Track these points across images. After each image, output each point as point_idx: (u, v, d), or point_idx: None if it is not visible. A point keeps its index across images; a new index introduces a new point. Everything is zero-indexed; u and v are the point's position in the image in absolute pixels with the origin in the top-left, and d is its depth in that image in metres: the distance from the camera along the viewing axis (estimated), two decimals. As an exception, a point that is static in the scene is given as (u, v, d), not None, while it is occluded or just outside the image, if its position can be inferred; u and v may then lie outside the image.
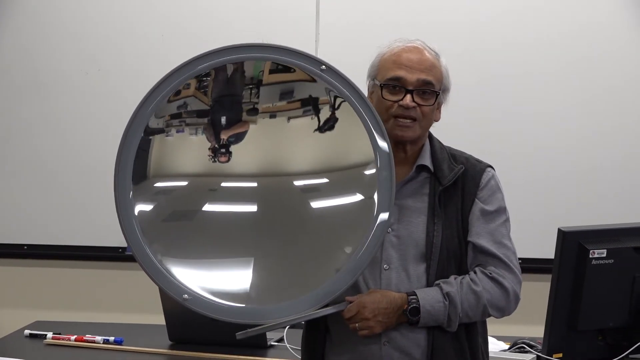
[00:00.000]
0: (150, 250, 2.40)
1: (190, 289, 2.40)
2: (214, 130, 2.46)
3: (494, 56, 4.70)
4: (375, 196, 2.43)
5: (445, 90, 2.61)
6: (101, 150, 4.56)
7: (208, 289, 2.42)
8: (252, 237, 2.50)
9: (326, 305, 2.47)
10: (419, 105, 2.54)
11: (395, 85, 2.55)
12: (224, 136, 2.47)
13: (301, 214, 2.50)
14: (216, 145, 2.47)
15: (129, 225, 2.41)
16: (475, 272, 2.56)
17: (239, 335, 2.42)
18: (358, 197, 2.47)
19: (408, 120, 2.53)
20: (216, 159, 2.46)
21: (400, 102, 2.53)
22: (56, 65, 4.84)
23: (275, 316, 2.41)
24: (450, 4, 4.71)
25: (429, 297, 2.50)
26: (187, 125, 2.45)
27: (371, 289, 2.52)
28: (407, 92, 2.53)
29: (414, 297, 2.49)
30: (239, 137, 2.47)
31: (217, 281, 2.45)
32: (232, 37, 4.63)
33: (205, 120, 2.46)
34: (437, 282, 2.53)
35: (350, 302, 2.48)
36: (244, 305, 2.42)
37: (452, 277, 2.54)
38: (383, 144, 2.43)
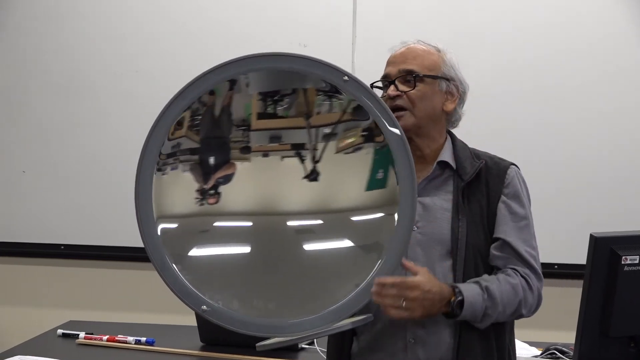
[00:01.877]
0: (170, 260, 2.38)
1: (209, 301, 2.38)
2: (201, 171, 2.44)
3: (524, 63, 4.68)
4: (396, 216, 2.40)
5: (449, 79, 2.63)
6: (137, 151, 4.58)
7: (227, 300, 2.40)
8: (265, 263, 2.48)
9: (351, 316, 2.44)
10: (404, 92, 2.58)
11: (384, 82, 2.63)
12: (211, 177, 2.44)
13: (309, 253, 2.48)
14: (204, 187, 2.44)
15: (150, 237, 2.38)
16: (505, 270, 2.55)
17: (259, 347, 2.41)
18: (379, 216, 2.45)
19: (399, 111, 2.56)
20: (204, 202, 2.43)
21: (385, 94, 2.59)
22: (92, 66, 4.88)
23: (296, 330, 2.37)
24: (484, 12, 4.69)
25: (470, 290, 2.46)
26: (181, 162, 2.43)
27: (420, 267, 2.42)
28: (390, 84, 2.60)
29: (457, 289, 2.45)
30: (227, 179, 2.44)
31: (236, 293, 2.43)
32: (268, 42, 4.70)
33: (197, 157, 2.44)
34: (473, 279, 2.51)
35: (369, 316, 2.45)
36: (264, 318, 2.39)
37: (485, 275, 2.52)
38: (404, 158, 2.39)
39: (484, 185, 2.60)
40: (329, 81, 2.41)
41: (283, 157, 2.46)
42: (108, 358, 3.42)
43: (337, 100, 2.43)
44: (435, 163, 2.61)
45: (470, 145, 2.70)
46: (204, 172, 2.43)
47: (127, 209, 4.68)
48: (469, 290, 2.46)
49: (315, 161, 2.45)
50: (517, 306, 2.53)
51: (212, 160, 2.44)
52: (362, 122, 2.43)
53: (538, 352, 3.40)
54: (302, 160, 2.44)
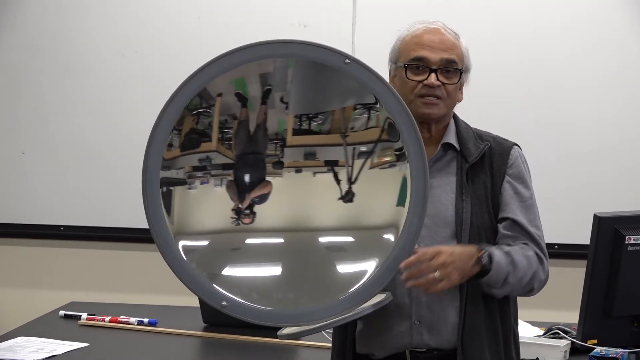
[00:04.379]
0: (187, 258, 2.34)
1: (228, 295, 2.35)
2: (237, 189, 2.41)
3: (523, 40, 4.66)
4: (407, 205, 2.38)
5: (466, 70, 2.61)
6: (137, 132, 4.56)
7: (245, 294, 2.37)
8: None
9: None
10: (443, 84, 2.54)
11: (419, 65, 2.55)
12: (247, 196, 2.42)
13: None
14: (240, 206, 2.41)
15: (164, 236, 2.35)
16: (518, 243, 2.54)
17: (281, 336, 2.42)
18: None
19: (434, 98, 2.53)
20: (240, 222, 2.40)
21: (425, 82, 2.53)
22: (93, 47, 4.85)
23: (316, 317, 2.35)
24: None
25: (496, 250, 2.45)
26: (213, 176, 2.39)
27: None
28: (432, 72, 2.54)
29: (481, 244, 2.44)
30: (263, 198, 2.41)
31: (253, 285, 2.41)
32: (268, 21, 4.68)
33: (230, 172, 2.41)
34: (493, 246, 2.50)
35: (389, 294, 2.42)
36: (284, 308, 2.37)
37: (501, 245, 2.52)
38: (415, 144, 2.35)
39: (487, 166, 2.60)
40: (330, 65, 2.36)
41: (315, 172, 2.44)
42: (111, 339, 3.42)
43: (374, 113, 2.40)
44: (439, 145, 2.60)
45: (472, 125, 2.69)
46: (239, 190, 2.41)
47: (126, 190, 4.73)
48: (495, 249, 2.45)
49: (351, 182, 2.42)
50: (531, 277, 2.51)
51: (247, 178, 2.41)
52: (396, 142, 2.39)
53: (541, 331, 3.40)
54: (338, 181, 2.41)
